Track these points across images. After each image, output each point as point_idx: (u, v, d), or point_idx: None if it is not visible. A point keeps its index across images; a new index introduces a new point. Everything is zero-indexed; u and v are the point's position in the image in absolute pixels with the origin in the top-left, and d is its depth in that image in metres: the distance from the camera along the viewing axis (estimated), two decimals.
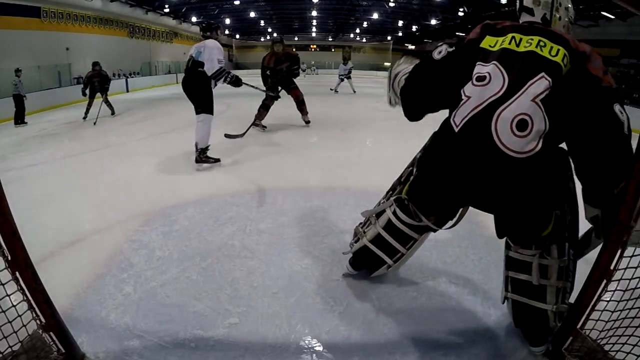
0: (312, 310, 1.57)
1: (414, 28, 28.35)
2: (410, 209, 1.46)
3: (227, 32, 28.51)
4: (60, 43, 13.02)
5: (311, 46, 34.65)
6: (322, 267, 1.88)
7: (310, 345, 1.38)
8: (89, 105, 7.27)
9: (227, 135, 4.00)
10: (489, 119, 1.12)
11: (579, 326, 1.22)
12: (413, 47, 33.24)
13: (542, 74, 1.12)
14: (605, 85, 1.14)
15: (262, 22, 29.15)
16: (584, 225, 1.29)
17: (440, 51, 1.34)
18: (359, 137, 5.17)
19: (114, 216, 2.47)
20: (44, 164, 3.54)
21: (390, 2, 23.63)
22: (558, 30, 1.25)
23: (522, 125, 1.09)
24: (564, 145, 1.20)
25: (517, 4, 1.37)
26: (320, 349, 1.37)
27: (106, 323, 1.48)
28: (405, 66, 1.58)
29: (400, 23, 27.66)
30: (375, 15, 26.37)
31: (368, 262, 1.69)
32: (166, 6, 19.54)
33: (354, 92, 11.83)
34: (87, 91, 7.32)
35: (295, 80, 5.38)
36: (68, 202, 2.69)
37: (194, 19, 22.99)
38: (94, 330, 1.43)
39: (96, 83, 7.35)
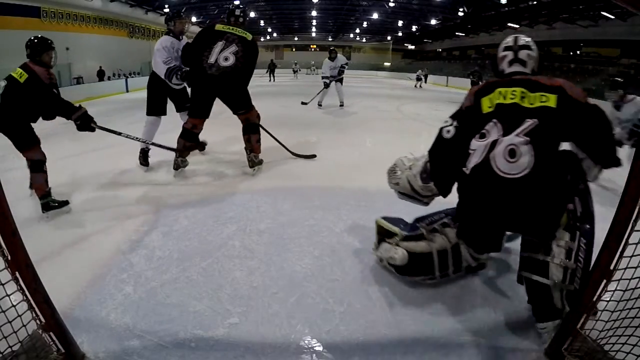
0: (312, 310, 1.57)
1: (414, 28, 28.36)
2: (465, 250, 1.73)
3: None
4: (60, 43, 12.91)
5: (311, 46, 34.68)
6: (322, 267, 1.88)
7: (310, 345, 1.38)
8: None
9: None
10: (488, 157, 1.41)
11: (579, 326, 1.22)
12: (413, 47, 33.25)
13: (526, 119, 1.41)
14: (584, 103, 1.45)
15: (262, 22, 29.16)
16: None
17: (449, 130, 1.61)
18: (358, 137, 5.17)
19: (114, 216, 2.47)
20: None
21: (390, 2, 23.64)
22: (540, 78, 1.51)
23: (512, 153, 1.37)
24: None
25: (511, 55, 1.64)
26: (320, 349, 1.37)
27: (106, 323, 1.47)
28: (408, 170, 1.82)
29: (400, 23, 27.67)
30: (375, 15, 26.39)
31: (423, 265, 1.71)
32: (166, 6, 19.54)
33: (341, 105, 7.81)
34: None
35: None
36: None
37: (194, 19, 22.99)
38: (94, 330, 1.43)
39: None
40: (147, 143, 3.32)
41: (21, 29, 10.81)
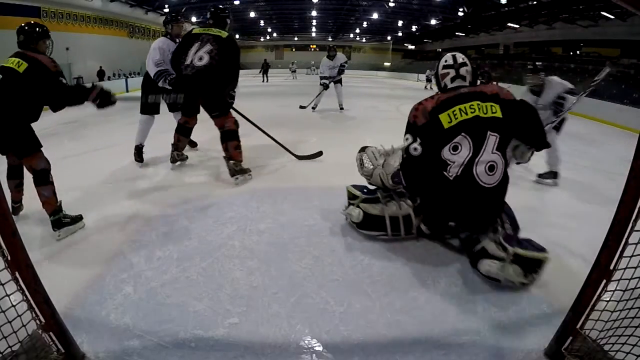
0: (312, 310, 1.57)
1: (414, 28, 28.36)
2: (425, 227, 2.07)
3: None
4: (60, 43, 13.00)
5: (311, 46, 34.66)
6: (322, 267, 1.88)
7: (310, 345, 1.38)
8: None
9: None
10: (471, 170, 1.76)
11: (578, 326, 1.23)
12: (413, 47, 33.24)
13: (488, 132, 1.77)
14: (514, 100, 1.87)
15: (262, 22, 29.16)
16: None
17: (416, 148, 1.86)
18: (358, 137, 5.16)
19: (114, 216, 2.47)
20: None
21: (390, 2, 23.62)
22: (481, 88, 1.87)
23: (491, 168, 1.76)
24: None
25: (453, 73, 1.92)
26: (320, 349, 1.37)
27: (106, 323, 1.47)
28: (381, 168, 2.23)
29: (400, 23, 27.67)
30: (375, 15, 26.38)
31: (376, 225, 2.10)
32: (166, 6, 19.54)
33: (341, 108, 7.41)
34: None
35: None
36: (68, 202, 2.69)
37: (194, 19, 22.97)
38: (94, 330, 1.43)
39: None
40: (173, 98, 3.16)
41: None
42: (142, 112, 3.57)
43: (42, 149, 2.21)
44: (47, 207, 2.16)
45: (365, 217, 2.11)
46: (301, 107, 7.53)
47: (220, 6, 3.14)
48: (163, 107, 3.67)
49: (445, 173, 1.80)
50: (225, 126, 3.09)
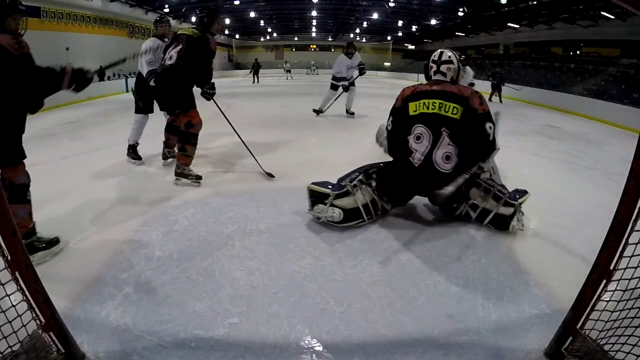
0: (312, 310, 1.57)
1: (414, 28, 28.36)
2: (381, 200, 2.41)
3: (226, 32, 28.48)
4: (60, 43, 13.03)
5: (311, 46, 34.68)
6: (322, 267, 1.88)
7: (310, 345, 1.38)
8: None
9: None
10: (431, 159, 2.23)
11: (578, 326, 1.22)
12: (413, 47, 33.24)
13: (443, 128, 2.21)
14: (480, 112, 2.20)
15: (261, 22, 29.16)
16: None
17: (389, 125, 2.46)
18: (358, 137, 5.16)
19: (114, 216, 2.47)
20: (44, 164, 3.52)
21: (390, 2, 23.62)
22: (454, 88, 2.25)
23: (447, 157, 2.22)
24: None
25: (435, 67, 2.34)
26: (320, 349, 1.37)
27: (106, 323, 1.47)
28: (384, 139, 2.61)
29: (400, 23, 27.67)
30: (375, 15, 26.38)
31: (353, 217, 2.28)
32: (166, 6, 19.55)
33: (351, 113, 6.65)
34: None
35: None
36: (68, 202, 2.69)
37: (193, 19, 22.97)
38: (94, 330, 1.43)
39: None
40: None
41: None
42: (137, 111, 3.70)
43: (25, 160, 1.85)
44: (20, 229, 1.75)
45: (344, 214, 2.23)
46: (317, 112, 6.58)
47: (208, 6, 3.14)
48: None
49: (411, 159, 2.29)
50: (182, 125, 3.11)
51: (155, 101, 3.46)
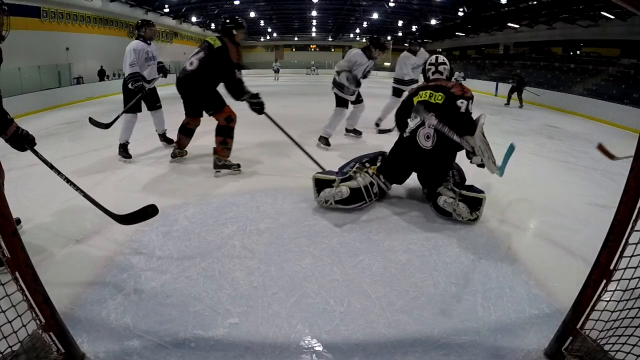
0: (312, 310, 1.57)
1: (414, 28, 28.32)
2: (380, 179, 2.69)
3: None
4: (60, 43, 13.02)
5: (311, 46, 34.64)
6: (322, 267, 1.88)
7: (310, 345, 1.38)
8: None
9: (91, 121, 3.85)
10: (415, 135, 2.56)
11: (579, 326, 1.22)
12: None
13: (431, 114, 2.49)
14: (456, 94, 2.56)
15: (262, 22, 29.13)
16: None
17: (399, 108, 2.86)
18: (359, 138, 5.17)
19: None
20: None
21: (390, 2, 23.60)
22: (445, 83, 2.67)
23: (427, 136, 2.51)
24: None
25: (434, 69, 2.83)
26: (320, 349, 1.37)
27: (106, 323, 1.47)
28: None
29: (400, 23, 27.63)
30: (375, 15, 26.35)
31: (357, 198, 2.53)
32: (166, 6, 19.54)
33: (359, 132, 5.20)
34: None
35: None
36: (68, 202, 2.69)
37: (193, 19, 22.98)
38: (94, 330, 1.43)
39: None
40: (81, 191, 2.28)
41: (21, 29, 10.80)
42: (126, 111, 3.78)
43: None
44: None
45: (350, 192, 2.49)
46: (382, 131, 5.18)
47: (234, 17, 2.93)
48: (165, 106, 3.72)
49: (403, 133, 2.68)
50: (218, 122, 3.27)
51: (184, 105, 3.47)
